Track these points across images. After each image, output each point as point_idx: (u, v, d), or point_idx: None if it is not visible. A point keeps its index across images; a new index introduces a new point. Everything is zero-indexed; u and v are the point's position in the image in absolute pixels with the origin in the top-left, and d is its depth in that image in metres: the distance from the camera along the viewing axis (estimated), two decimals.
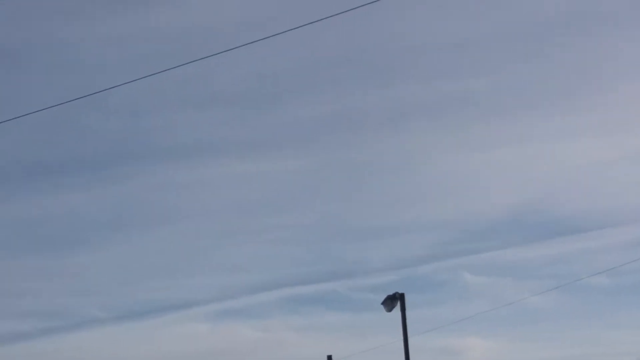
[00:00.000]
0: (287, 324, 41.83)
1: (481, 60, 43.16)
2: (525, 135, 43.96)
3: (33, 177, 41.21)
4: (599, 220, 43.53)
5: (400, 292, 23.96)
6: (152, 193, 42.17)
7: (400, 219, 43.80)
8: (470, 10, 41.61)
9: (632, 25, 41.68)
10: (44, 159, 40.11)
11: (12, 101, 36.76)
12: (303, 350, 41.13)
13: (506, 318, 37.06)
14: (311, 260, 43.41)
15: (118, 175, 40.91)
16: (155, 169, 41.75)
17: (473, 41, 42.98)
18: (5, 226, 39.20)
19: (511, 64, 42.44)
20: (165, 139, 41.60)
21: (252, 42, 10.04)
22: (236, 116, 42.18)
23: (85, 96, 10.20)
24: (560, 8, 41.87)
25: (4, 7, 31.81)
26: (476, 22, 42.26)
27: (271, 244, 42.75)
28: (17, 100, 36.42)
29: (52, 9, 35.74)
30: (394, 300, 23.84)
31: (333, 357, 29.64)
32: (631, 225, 41.73)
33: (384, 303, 24.04)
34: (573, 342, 39.53)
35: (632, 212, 42.52)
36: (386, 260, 42.96)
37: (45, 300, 39.73)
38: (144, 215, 41.90)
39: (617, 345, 38.14)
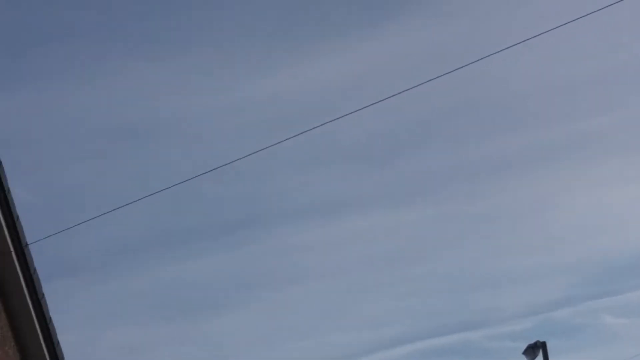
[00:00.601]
0: None
1: (601, 98, 42.20)
2: None
3: (163, 248, 42.12)
4: None
5: (540, 340, 23.44)
6: (280, 254, 42.50)
7: (531, 264, 42.87)
8: (583, 50, 40.84)
9: None
10: (172, 229, 40.97)
11: (137, 176, 37.78)
12: None
13: None
14: (444, 310, 42.81)
15: (245, 239, 41.45)
16: (281, 230, 42.14)
17: (589, 80, 42.12)
18: (138, 295, 40.08)
19: (635, 98, 41.35)
20: (289, 201, 42.02)
21: (373, 104, 10.03)
22: (357, 173, 42.30)
23: (212, 170, 10.31)
24: None
25: (125, 86, 32.97)
26: (591, 61, 41.44)
27: (403, 297, 42.41)
28: (140, 175, 37.41)
29: (169, 85, 36.80)
30: (536, 349, 23.28)
31: None
32: None
33: (525, 352, 23.50)
34: None
35: None
36: (520, 306, 41.99)
37: None
38: (274, 276, 42.23)
39: None
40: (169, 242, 40.65)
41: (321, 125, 9.64)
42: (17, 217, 11.70)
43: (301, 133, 9.78)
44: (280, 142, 9.86)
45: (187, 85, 36.04)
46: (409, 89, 9.73)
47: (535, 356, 23.45)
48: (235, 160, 10.44)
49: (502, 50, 10.15)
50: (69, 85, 34.50)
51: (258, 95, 36.86)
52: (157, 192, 10.17)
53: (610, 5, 10.28)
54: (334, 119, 9.63)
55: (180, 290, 39.48)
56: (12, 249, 11.71)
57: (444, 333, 41.89)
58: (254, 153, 10.21)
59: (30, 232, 12.00)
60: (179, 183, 10.15)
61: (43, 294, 12.33)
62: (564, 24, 10.54)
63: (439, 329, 41.79)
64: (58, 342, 12.70)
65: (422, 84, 10.09)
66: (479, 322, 41.28)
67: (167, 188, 10.26)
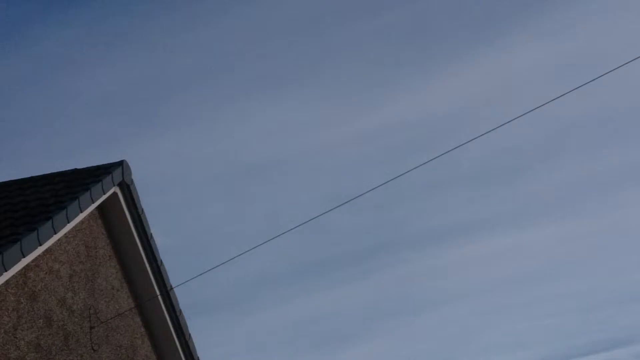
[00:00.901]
0: None
1: None
2: None
3: (296, 282, 42.56)
4: None
5: None
6: (412, 280, 42.33)
7: None
8: None
9: None
10: (304, 263, 41.37)
11: (268, 211, 38.37)
12: None
13: None
14: (588, 329, 41.68)
15: (377, 267, 41.40)
16: (411, 256, 42.01)
17: None
18: (274, 330, 40.52)
19: None
20: (418, 226, 41.88)
21: (498, 127, 9.96)
22: (486, 193, 41.80)
23: (346, 202, 10.45)
24: None
25: (248, 125, 33.63)
26: None
27: (542, 316, 41.54)
28: (271, 210, 38.00)
29: (291, 121, 37.37)
30: None
31: None
32: None
33: None
34: None
35: None
36: None
37: None
38: (408, 302, 42.03)
39: None
40: (302, 276, 41.07)
41: (450, 150, 9.63)
42: (161, 262, 12.08)
43: (431, 160, 9.77)
44: (410, 171, 9.89)
45: (310, 119, 36.53)
46: (538, 107, 9.62)
47: None
48: (367, 192, 10.50)
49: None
50: (196, 128, 35.42)
51: (379, 123, 37.01)
52: (293, 228, 10.33)
53: None
54: (463, 144, 9.59)
55: (315, 323, 39.77)
56: (158, 292, 12.08)
57: (589, 352, 40.72)
58: (388, 182, 10.24)
59: (171, 274, 12.38)
60: (314, 218, 10.27)
61: (190, 335, 12.67)
62: None
63: (584, 348, 40.70)
64: None
65: (550, 101, 9.97)
66: (626, 339, 40.07)
67: (303, 224, 10.40)
